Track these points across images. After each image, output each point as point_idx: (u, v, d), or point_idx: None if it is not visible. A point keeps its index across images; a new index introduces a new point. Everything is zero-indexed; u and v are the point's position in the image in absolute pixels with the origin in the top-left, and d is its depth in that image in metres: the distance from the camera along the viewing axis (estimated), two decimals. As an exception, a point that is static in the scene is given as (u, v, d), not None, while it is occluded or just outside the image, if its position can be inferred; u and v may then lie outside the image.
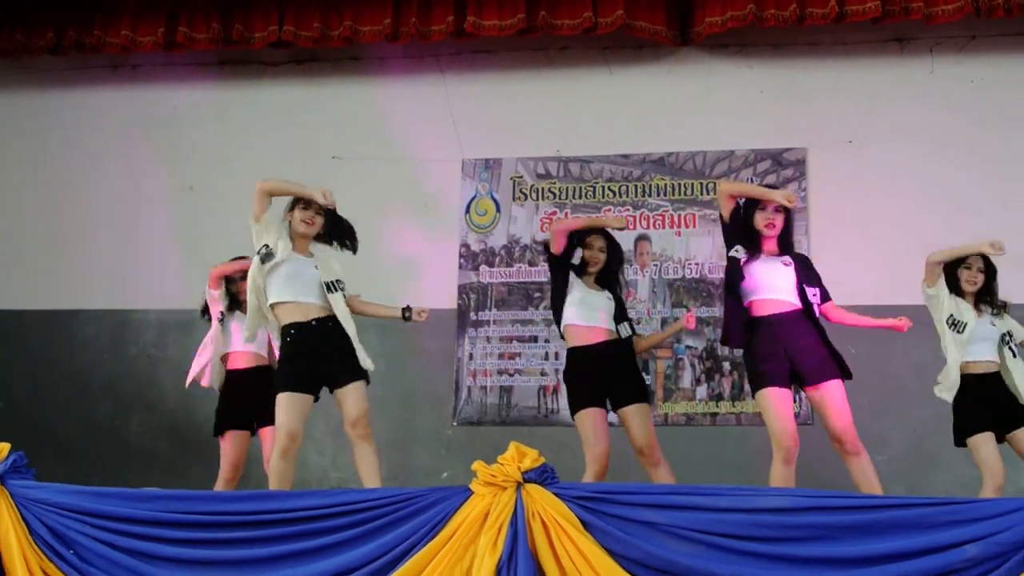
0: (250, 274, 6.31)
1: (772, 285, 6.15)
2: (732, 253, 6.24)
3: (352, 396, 6.17)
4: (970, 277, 6.55)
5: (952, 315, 6.46)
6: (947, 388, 6.42)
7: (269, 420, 6.38)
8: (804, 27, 8.84)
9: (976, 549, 4.70)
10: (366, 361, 6.25)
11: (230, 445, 7.17)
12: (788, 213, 6.30)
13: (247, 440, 7.24)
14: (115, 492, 5.62)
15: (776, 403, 5.97)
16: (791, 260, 6.24)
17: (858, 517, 4.85)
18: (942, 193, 8.84)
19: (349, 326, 6.25)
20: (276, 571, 5.24)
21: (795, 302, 6.12)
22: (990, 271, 6.61)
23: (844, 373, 6.09)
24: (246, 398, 7.11)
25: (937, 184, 8.88)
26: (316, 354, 6.18)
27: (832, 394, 6.01)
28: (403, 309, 6.55)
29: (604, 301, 6.81)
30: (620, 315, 6.85)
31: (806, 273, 6.24)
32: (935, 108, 9.04)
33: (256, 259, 6.23)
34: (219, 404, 7.30)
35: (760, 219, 6.24)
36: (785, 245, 6.31)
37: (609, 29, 8.92)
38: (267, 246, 6.22)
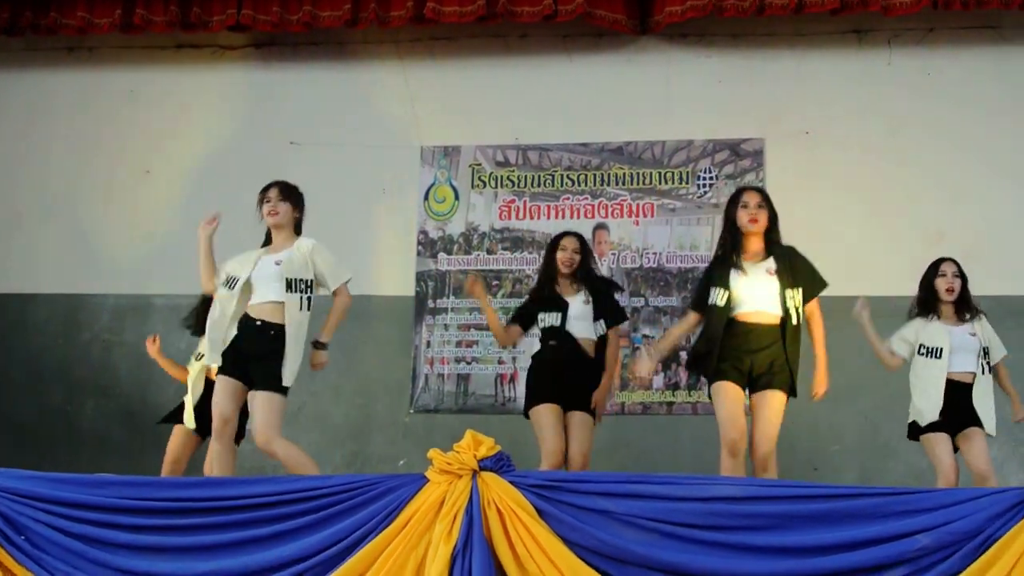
0: (216, 297, 6.36)
1: (755, 296, 6.09)
2: (711, 301, 6.13)
3: (257, 406, 6.15)
4: (947, 285, 6.53)
5: (923, 344, 6.46)
6: (928, 414, 6.39)
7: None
8: (763, 17, 8.85)
9: (928, 539, 4.73)
10: (287, 375, 6.16)
11: (174, 441, 7.33)
12: (771, 208, 6.23)
13: (189, 439, 7.33)
14: (68, 478, 5.57)
15: (725, 396, 6.02)
16: (775, 267, 6.15)
17: (811, 507, 4.88)
18: (898, 184, 8.90)
19: (292, 334, 6.18)
20: (231, 558, 5.21)
21: (777, 313, 6.06)
22: (964, 276, 6.59)
23: (791, 391, 6.09)
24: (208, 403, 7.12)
25: (894, 175, 8.93)
26: (240, 354, 6.21)
27: (772, 403, 6.02)
28: (315, 342, 6.37)
29: (581, 307, 6.82)
30: (599, 311, 6.86)
31: (790, 275, 6.14)
32: (892, 99, 9.08)
33: (222, 289, 6.29)
34: (180, 403, 7.42)
35: (744, 216, 6.17)
36: (771, 243, 6.23)
37: (569, 17, 8.88)
38: (227, 275, 6.31)
